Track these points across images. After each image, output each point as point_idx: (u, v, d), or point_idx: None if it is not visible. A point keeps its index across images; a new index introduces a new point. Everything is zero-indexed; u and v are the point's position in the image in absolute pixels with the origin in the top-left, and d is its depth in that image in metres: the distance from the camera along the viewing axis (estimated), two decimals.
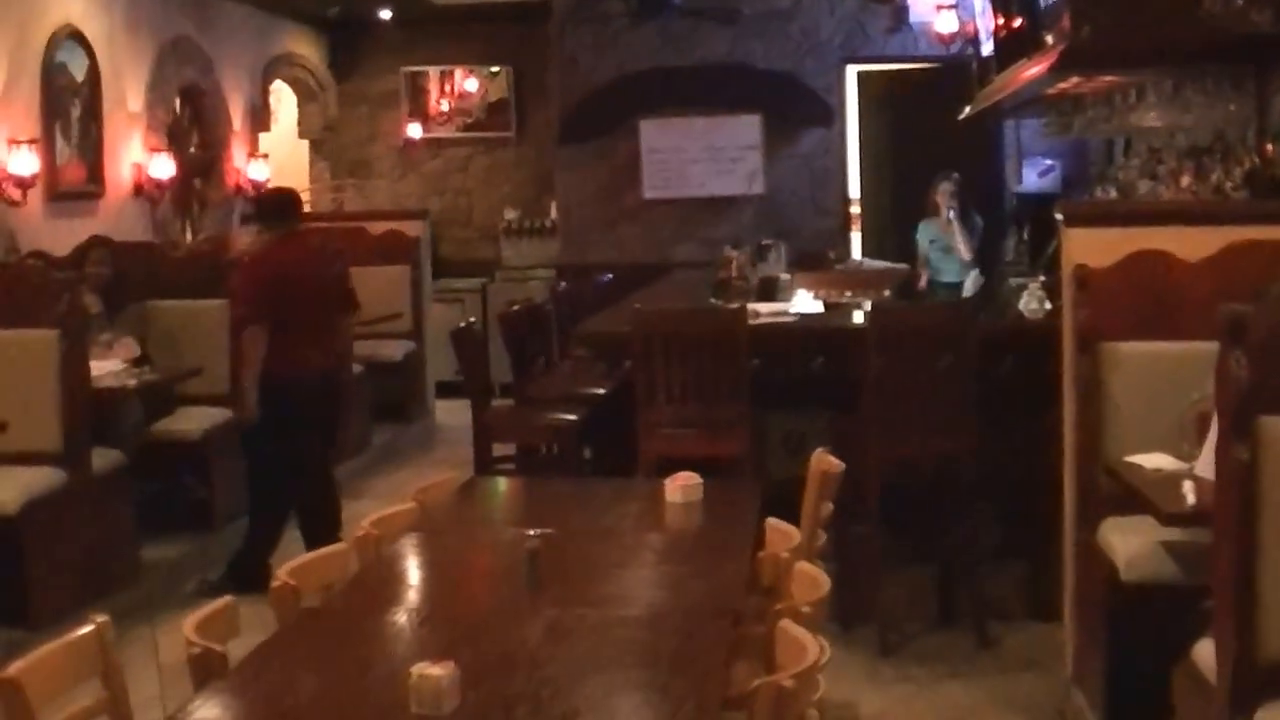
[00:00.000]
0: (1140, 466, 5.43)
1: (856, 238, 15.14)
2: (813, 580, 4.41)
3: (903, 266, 11.67)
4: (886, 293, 9.86)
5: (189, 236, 13.73)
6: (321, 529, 8.24)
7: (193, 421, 9.51)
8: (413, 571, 5.02)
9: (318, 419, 8.64)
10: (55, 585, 7.62)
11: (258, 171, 15.09)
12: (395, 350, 13.00)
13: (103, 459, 8.21)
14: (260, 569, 7.74)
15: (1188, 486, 4.89)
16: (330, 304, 8.82)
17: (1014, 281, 10.13)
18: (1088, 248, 6.22)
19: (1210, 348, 5.30)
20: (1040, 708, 6.62)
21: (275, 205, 8.90)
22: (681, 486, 5.68)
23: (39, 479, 7.64)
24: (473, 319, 10.28)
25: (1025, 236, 12.29)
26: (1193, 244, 6.04)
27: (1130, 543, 5.63)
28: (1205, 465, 4.62)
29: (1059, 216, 6.56)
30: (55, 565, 7.67)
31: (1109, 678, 5.85)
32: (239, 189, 14.79)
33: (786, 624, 3.90)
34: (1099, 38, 7.63)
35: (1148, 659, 5.30)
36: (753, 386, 7.61)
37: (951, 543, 7.54)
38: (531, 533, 4.71)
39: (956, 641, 7.47)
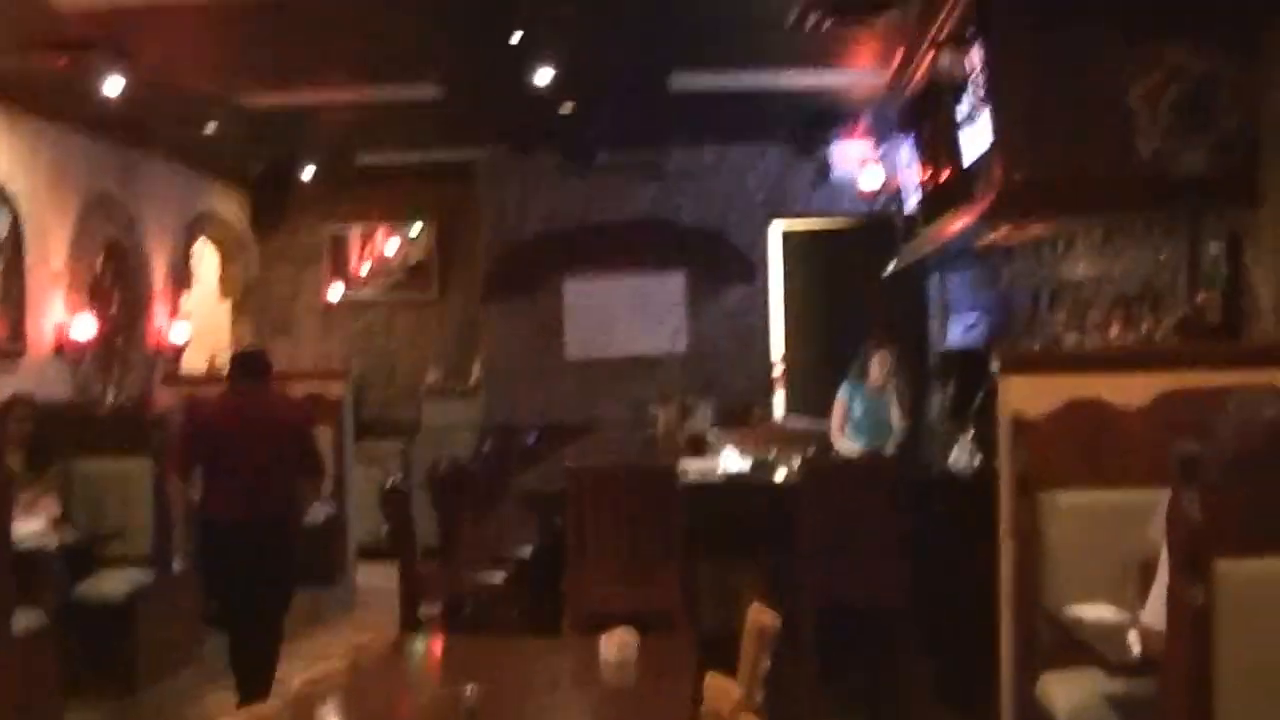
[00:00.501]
0: (1083, 619, 5.35)
1: (780, 396, 15.13)
2: None
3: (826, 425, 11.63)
4: (809, 450, 9.81)
5: (110, 396, 13.53)
6: (250, 681, 8.16)
7: (116, 583, 9.33)
8: None
9: (244, 566, 8.51)
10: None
11: (179, 332, 14.94)
12: (316, 512, 12.78)
13: (25, 620, 7.98)
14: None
15: (1133, 636, 4.80)
16: (270, 457, 8.73)
17: (941, 437, 10.15)
18: (1025, 396, 6.19)
19: (1149, 495, 5.29)
20: None
21: (234, 362, 9.28)
22: (617, 643, 5.54)
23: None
24: (394, 479, 10.15)
25: (951, 391, 12.29)
26: (1129, 391, 6.02)
27: (1072, 695, 5.54)
28: (1152, 613, 4.54)
29: (995, 365, 6.52)
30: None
31: None
32: (160, 349, 14.61)
33: None
34: (1032, 183, 7.66)
35: None
36: (684, 540, 7.52)
37: (881, 687, 7.43)
38: (468, 689, 4.57)
39: None
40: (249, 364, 9.18)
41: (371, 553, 13.22)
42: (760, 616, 5.50)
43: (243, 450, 8.61)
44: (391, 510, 9.07)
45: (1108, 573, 5.56)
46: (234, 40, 9.92)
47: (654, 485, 7.58)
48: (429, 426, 16.24)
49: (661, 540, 7.46)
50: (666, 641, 5.94)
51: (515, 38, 8.98)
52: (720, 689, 4.95)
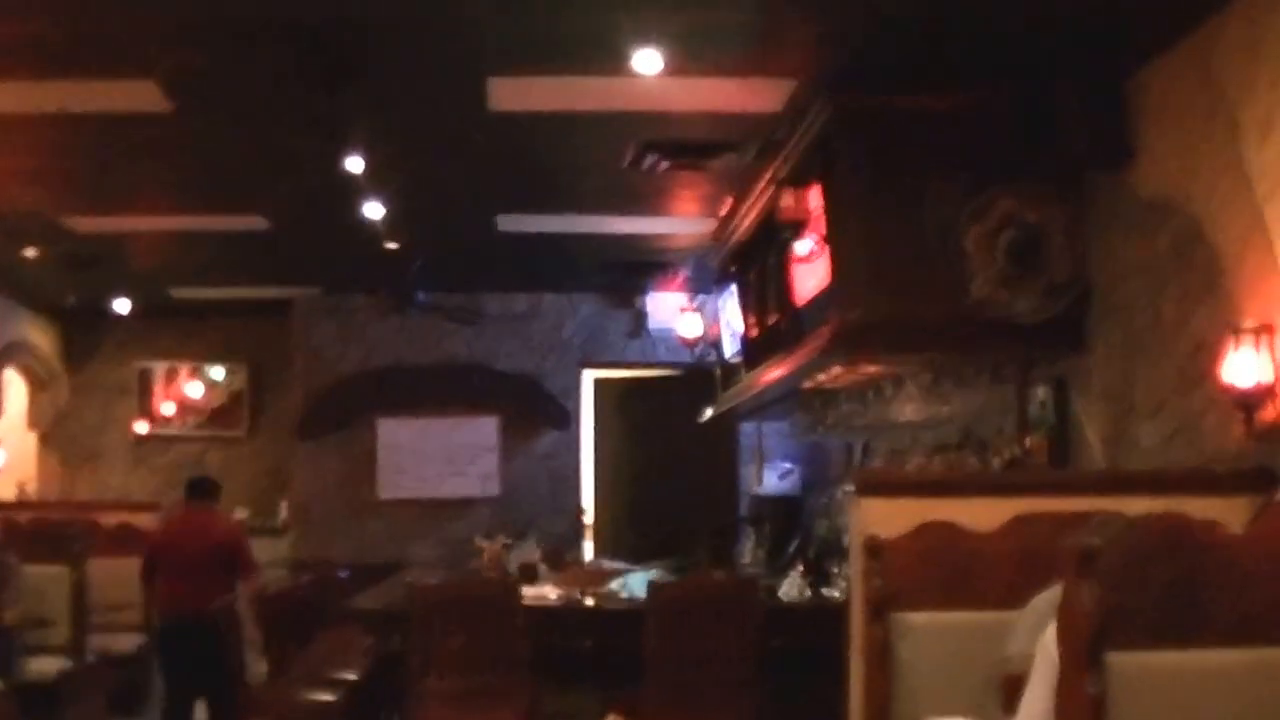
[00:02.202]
0: None
1: (589, 543, 15.19)
2: None
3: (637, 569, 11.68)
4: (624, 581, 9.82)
5: None
6: None
7: (47, 666, 10.56)
8: None
9: (194, 655, 9.88)
10: None
11: None
12: (127, 643, 12.55)
13: None
14: None
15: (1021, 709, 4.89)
16: (205, 568, 10.63)
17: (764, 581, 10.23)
18: (878, 518, 6.26)
19: (1002, 616, 5.41)
20: None
21: (188, 486, 11.40)
22: None
23: None
24: (234, 597, 10.03)
25: (767, 534, 12.43)
26: (981, 515, 6.12)
27: None
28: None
29: (849, 487, 6.62)
30: None
31: None
32: None
33: None
34: (866, 323, 7.83)
35: None
36: (530, 663, 7.53)
37: None
38: None
39: None
40: (201, 487, 11.32)
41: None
42: None
43: (181, 562, 10.72)
44: (222, 629, 8.95)
45: (962, 690, 5.64)
46: (56, 159, 9.81)
47: (497, 602, 7.56)
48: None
49: (506, 658, 7.44)
50: None
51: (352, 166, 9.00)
52: None
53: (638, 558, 12.40)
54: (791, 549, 11.81)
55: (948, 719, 5.49)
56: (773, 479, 13.50)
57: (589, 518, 15.30)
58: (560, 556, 12.69)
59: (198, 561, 10.72)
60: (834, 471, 12.54)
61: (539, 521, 14.38)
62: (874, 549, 6.18)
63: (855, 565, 6.38)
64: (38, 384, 16.54)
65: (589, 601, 8.63)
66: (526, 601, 8.12)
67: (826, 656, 6.61)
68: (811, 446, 13.07)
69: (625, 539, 14.49)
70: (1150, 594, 4.11)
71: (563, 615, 8.20)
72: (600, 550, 14.75)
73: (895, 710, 6.01)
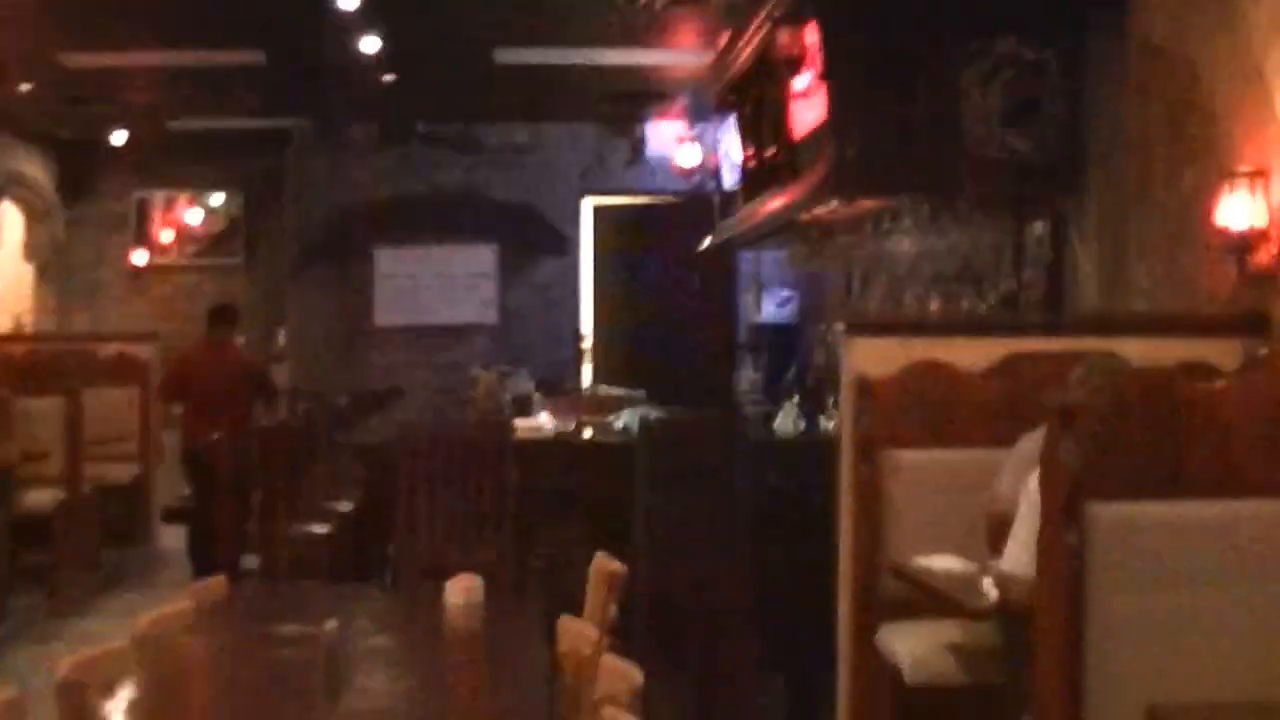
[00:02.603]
0: (931, 569, 5.45)
1: (588, 369, 15.21)
2: (624, 673, 4.33)
3: (639, 393, 11.69)
4: (624, 413, 9.84)
5: None
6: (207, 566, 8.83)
7: (42, 498, 10.73)
8: (197, 669, 4.86)
9: (217, 475, 9.70)
10: None
11: None
12: (123, 473, 12.63)
13: None
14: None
15: (988, 583, 4.92)
16: (228, 395, 11.09)
17: (753, 409, 10.25)
18: (869, 358, 6.27)
19: (991, 455, 5.43)
20: None
21: (210, 315, 11.78)
22: (464, 588, 5.52)
23: None
24: (220, 435, 10.06)
25: (764, 363, 12.44)
26: (971, 355, 6.13)
27: (913, 645, 5.65)
28: (1013, 561, 4.65)
29: (841, 327, 6.62)
30: None
31: None
32: None
33: (612, 711, 3.81)
34: (861, 161, 7.77)
35: None
36: (517, 498, 7.55)
37: (713, 661, 7.50)
38: (327, 626, 4.54)
39: None
40: (223, 315, 11.71)
41: (176, 515, 13.03)
42: (606, 564, 5.54)
43: (216, 385, 11.08)
44: (213, 460, 8.98)
45: (949, 529, 5.68)
46: None
47: (487, 441, 7.57)
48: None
49: (494, 496, 7.46)
50: (507, 592, 5.92)
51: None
52: (576, 631, 4.99)
53: (636, 384, 12.46)
54: (789, 377, 11.83)
55: (935, 557, 5.50)
56: (770, 307, 13.50)
57: (587, 344, 15.29)
58: (558, 384, 12.72)
59: (222, 389, 11.14)
60: (832, 300, 12.52)
61: (537, 349, 14.39)
62: (864, 388, 6.20)
63: (845, 404, 6.39)
64: (34, 216, 16.47)
65: (587, 434, 8.64)
66: (519, 435, 8.14)
67: (821, 491, 6.63)
68: (810, 275, 13.02)
69: (624, 366, 14.51)
70: (1130, 447, 4.13)
71: (554, 450, 8.21)
72: (599, 377, 14.76)
73: (884, 548, 6.06)
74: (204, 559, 9.31)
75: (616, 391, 12.46)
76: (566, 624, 5.06)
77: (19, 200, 16.11)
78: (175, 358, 12.23)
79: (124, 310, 16.67)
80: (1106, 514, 4.08)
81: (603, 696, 4.14)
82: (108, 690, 4.32)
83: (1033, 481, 4.42)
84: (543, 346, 14.60)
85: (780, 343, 12.87)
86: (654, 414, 8.77)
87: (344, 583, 8.51)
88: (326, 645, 4.46)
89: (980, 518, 5.36)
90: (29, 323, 16.01)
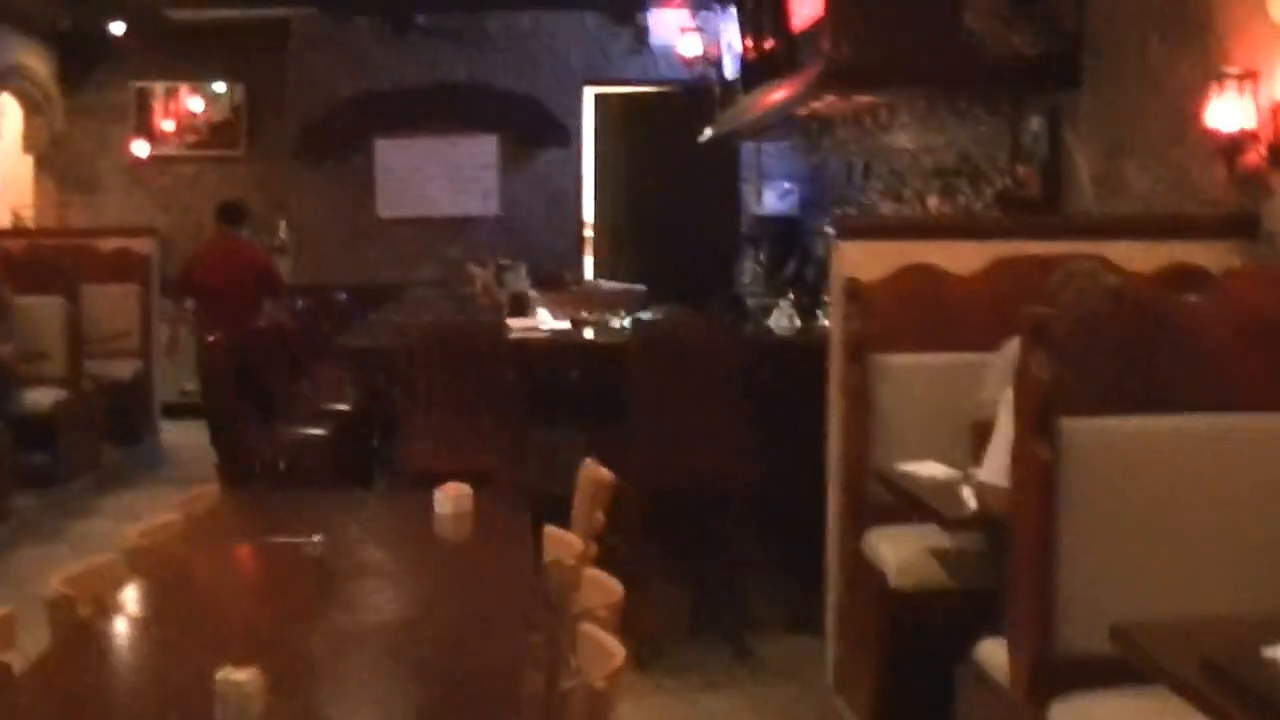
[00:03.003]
0: (915, 475, 5.45)
1: (589, 260, 15.17)
2: (604, 586, 4.36)
3: (640, 288, 11.68)
4: (622, 313, 9.83)
5: None
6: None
7: (43, 397, 10.91)
8: (189, 581, 4.84)
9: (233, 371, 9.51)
10: None
11: None
12: (124, 369, 12.65)
13: None
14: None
15: (966, 492, 4.94)
16: (239, 290, 11.38)
17: (753, 301, 10.24)
18: (858, 261, 6.26)
19: (979, 359, 5.43)
20: (800, 716, 6.64)
21: (219, 211, 12.14)
22: (452, 497, 5.55)
23: None
24: (218, 335, 10.05)
25: (762, 258, 12.41)
26: (962, 258, 6.11)
27: (899, 550, 5.69)
28: (990, 470, 4.66)
29: (829, 229, 6.60)
30: None
31: (879, 682, 5.89)
32: None
33: (588, 628, 3.84)
34: (859, 55, 7.72)
35: (918, 664, 5.36)
36: (515, 400, 7.54)
37: (708, 553, 7.53)
38: (315, 538, 4.58)
39: (713, 652, 7.45)
40: (232, 211, 12.03)
41: (177, 411, 13.10)
42: (594, 472, 5.56)
43: (225, 282, 11.36)
44: (207, 364, 8.97)
45: (937, 434, 5.70)
46: None
47: (483, 342, 7.55)
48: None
49: (491, 399, 7.45)
50: (498, 498, 5.93)
51: None
52: (561, 540, 5.02)
53: (639, 278, 12.45)
54: (789, 270, 11.82)
55: (920, 464, 5.52)
56: (772, 199, 13.44)
57: (589, 236, 15.25)
58: (559, 277, 12.71)
59: (233, 284, 11.44)
60: (834, 192, 12.48)
61: (538, 241, 14.35)
62: (853, 292, 6.19)
63: (834, 308, 6.39)
64: (33, 108, 16.33)
65: (587, 334, 8.61)
66: (514, 334, 8.11)
67: (815, 390, 6.63)
68: (811, 166, 12.98)
69: (626, 259, 14.50)
70: (1103, 362, 4.12)
71: (550, 350, 8.19)
72: (601, 271, 14.75)
73: (873, 451, 6.06)
74: (227, 458, 9.10)
75: (616, 286, 12.50)
76: (552, 534, 5.10)
77: (17, 92, 15.98)
78: (189, 254, 12.58)
79: (124, 203, 16.55)
80: (1079, 428, 4.09)
81: (581, 610, 4.17)
82: (98, 604, 4.37)
83: (1011, 390, 4.43)
84: (544, 239, 14.55)
85: (781, 235, 12.84)
86: (649, 314, 8.77)
87: (339, 487, 8.55)
88: (314, 557, 4.50)
89: (964, 424, 5.39)
90: (28, 217, 15.94)
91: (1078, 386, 4.06)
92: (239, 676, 3.31)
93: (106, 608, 4.33)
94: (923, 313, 6.10)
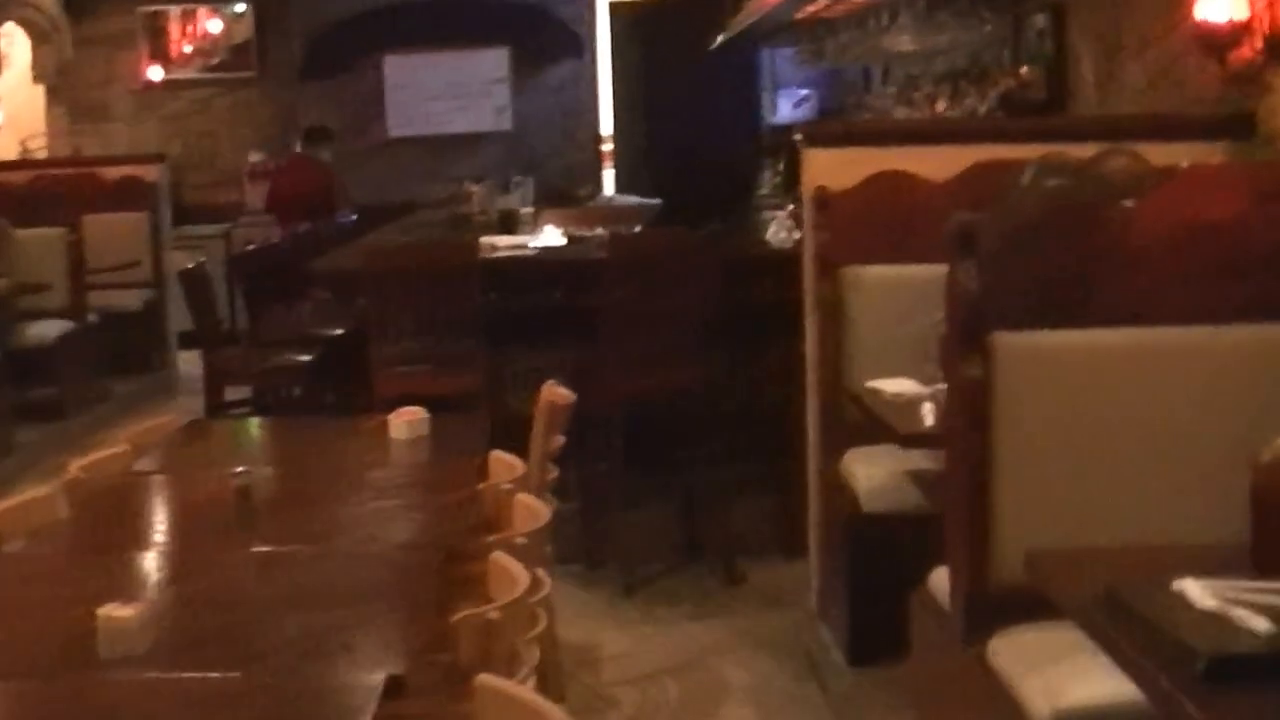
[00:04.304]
0: (881, 391, 5.22)
1: (610, 174, 14.90)
2: (532, 512, 4.16)
3: (654, 202, 11.44)
4: (638, 228, 9.61)
5: None
6: None
7: (46, 330, 10.83)
8: (120, 513, 4.70)
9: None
10: None
11: None
12: (133, 299, 12.52)
13: None
14: None
15: (927, 408, 4.69)
16: (309, 209, 12.00)
17: (766, 214, 10.02)
18: (829, 169, 6.02)
19: None
20: (787, 644, 6.40)
21: (305, 134, 13.36)
22: (406, 422, 5.38)
23: None
24: (203, 260, 9.86)
25: (780, 168, 12.20)
26: (938, 164, 5.85)
27: (872, 472, 5.47)
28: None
29: (798, 137, 6.35)
30: None
31: (850, 611, 5.72)
32: None
33: (498, 555, 3.65)
34: None
35: (888, 590, 5.13)
36: (489, 322, 7.31)
37: (696, 477, 7.33)
38: (238, 469, 4.41)
39: (702, 579, 7.27)
40: (315, 134, 13.04)
41: (194, 341, 12.95)
42: (551, 394, 5.36)
43: (307, 200, 12.15)
44: (191, 293, 8.78)
45: (912, 349, 5.43)
46: None
47: (454, 262, 7.32)
48: (252, 210, 15.82)
49: (463, 319, 7.24)
50: (461, 422, 5.74)
51: None
52: (505, 465, 4.81)
53: (658, 191, 12.20)
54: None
55: (890, 381, 5.27)
56: (787, 108, 13.22)
57: (607, 149, 14.98)
58: (572, 193, 12.49)
59: (301, 201, 12.33)
60: (851, 98, 12.25)
61: (553, 157, 14.12)
62: (822, 201, 5.98)
63: (806, 219, 6.15)
64: (40, 37, 16.11)
65: (558, 250, 8.36)
66: (499, 254, 7.90)
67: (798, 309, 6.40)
68: (828, 73, 12.76)
69: (644, 172, 14.23)
70: (1036, 272, 3.86)
71: (531, 269, 7.96)
72: (620, 185, 14.49)
73: (849, 368, 5.83)
74: (211, 385, 8.98)
75: (629, 201, 12.24)
76: (497, 458, 4.90)
77: (23, 21, 15.77)
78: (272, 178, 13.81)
79: (135, 130, 16.36)
80: (1012, 344, 3.82)
81: (498, 538, 3.98)
82: (30, 536, 4.31)
83: None
84: (560, 155, 14.32)
85: (795, 145, 12.54)
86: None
87: (332, 413, 8.37)
88: (239, 488, 4.34)
89: (932, 339, 5.13)
90: (37, 148, 15.78)
91: (1009, 299, 3.79)
92: (122, 612, 3.22)
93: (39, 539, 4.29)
94: (895, 222, 5.84)
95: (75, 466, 4.82)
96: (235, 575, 3.87)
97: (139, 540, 4.36)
